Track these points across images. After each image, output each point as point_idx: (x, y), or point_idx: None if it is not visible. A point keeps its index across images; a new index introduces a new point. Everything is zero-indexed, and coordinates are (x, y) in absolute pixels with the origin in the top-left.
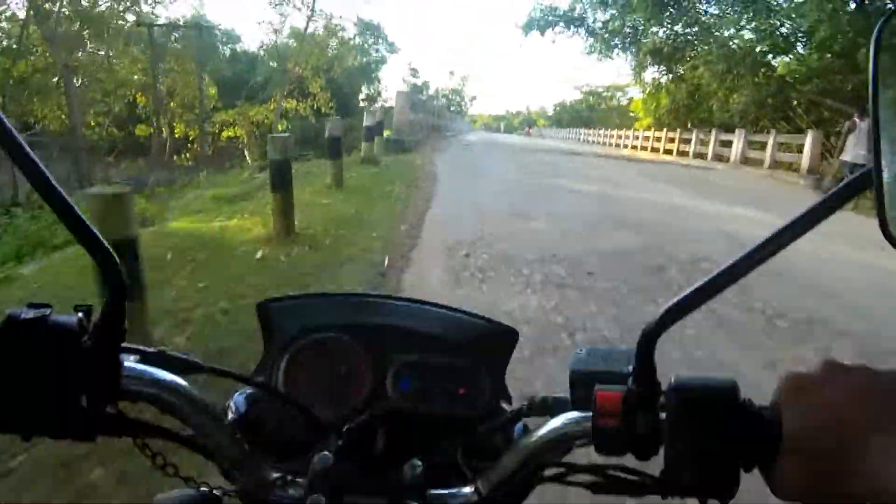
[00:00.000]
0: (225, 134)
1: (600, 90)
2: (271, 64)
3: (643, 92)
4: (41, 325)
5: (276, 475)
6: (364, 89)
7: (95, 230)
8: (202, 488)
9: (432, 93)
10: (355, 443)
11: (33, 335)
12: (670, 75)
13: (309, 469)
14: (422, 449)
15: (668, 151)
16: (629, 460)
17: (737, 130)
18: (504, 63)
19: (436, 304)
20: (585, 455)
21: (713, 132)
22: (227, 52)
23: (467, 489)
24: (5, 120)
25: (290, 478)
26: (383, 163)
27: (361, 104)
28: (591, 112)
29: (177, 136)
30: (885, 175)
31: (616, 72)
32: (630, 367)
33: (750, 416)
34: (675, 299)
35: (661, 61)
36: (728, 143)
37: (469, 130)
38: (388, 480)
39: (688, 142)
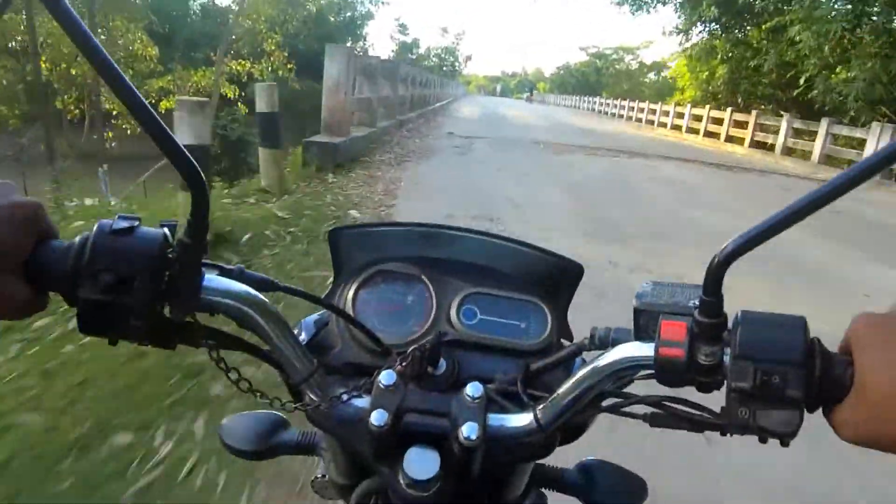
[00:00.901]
0: (164, 105)
1: (608, 52)
2: (229, 18)
3: (691, 56)
4: (129, 234)
5: (341, 390)
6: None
7: (180, 143)
8: (273, 400)
9: (423, 51)
10: (419, 365)
11: (121, 244)
12: (739, 32)
13: (373, 387)
14: (482, 377)
15: (733, 139)
16: (690, 394)
17: (823, 120)
18: (501, 20)
19: (505, 238)
20: (647, 390)
21: (785, 118)
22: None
23: (526, 416)
24: (98, 43)
25: (355, 394)
26: (291, 200)
27: None
28: (598, 76)
29: (111, 109)
30: None
31: (626, 31)
32: (695, 301)
33: (819, 354)
34: (744, 232)
35: (726, 15)
36: (805, 133)
37: (463, 95)
38: (449, 402)
39: (744, 126)
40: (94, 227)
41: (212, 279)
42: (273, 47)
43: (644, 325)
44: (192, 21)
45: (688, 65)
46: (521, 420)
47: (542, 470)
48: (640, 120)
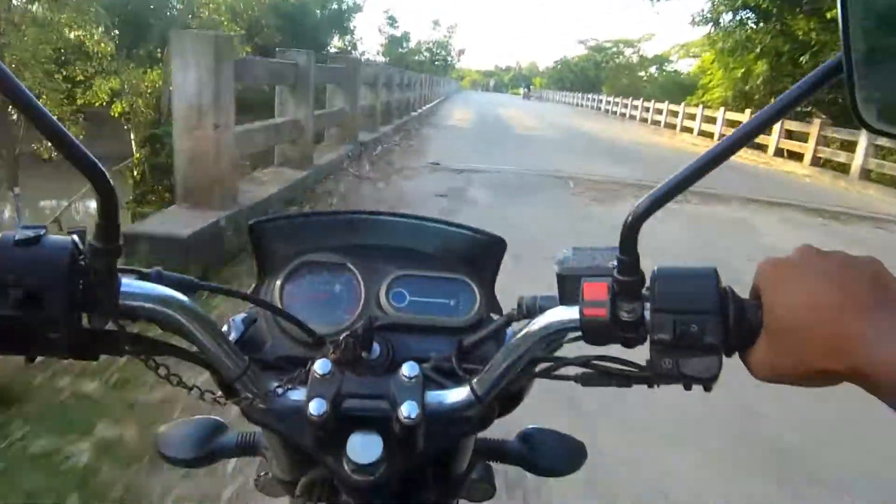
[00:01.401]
0: (117, 109)
1: (608, 45)
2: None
3: (721, 49)
4: (35, 244)
5: (276, 384)
6: (336, 42)
7: (83, 146)
8: (204, 392)
9: (414, 45)
10: (352, 351)
11: (28, 255)
12: (777, 22)
13: (309, 377)
14: (416, 358)
15: (785, 154)
16: (617, 352)
17: None
18: (495, 12)
19: (425, 218)
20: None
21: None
22: None
23: (463, 390)
24: None
25: (289, 387)
26: None
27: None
28: (597, 70)
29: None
30: (855, 59)
31: (627, 25)
32: (614, 262)
33: (732, 301)
34: (652, 191)
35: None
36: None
37: (456, 92)
38: (387, 384)
39: (799, 138)
40: None
41: (129, 284)
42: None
43: (568, 290)
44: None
45: (717, 59)
46: (458, 394)
47: (485, 443)
48: (656, 123)
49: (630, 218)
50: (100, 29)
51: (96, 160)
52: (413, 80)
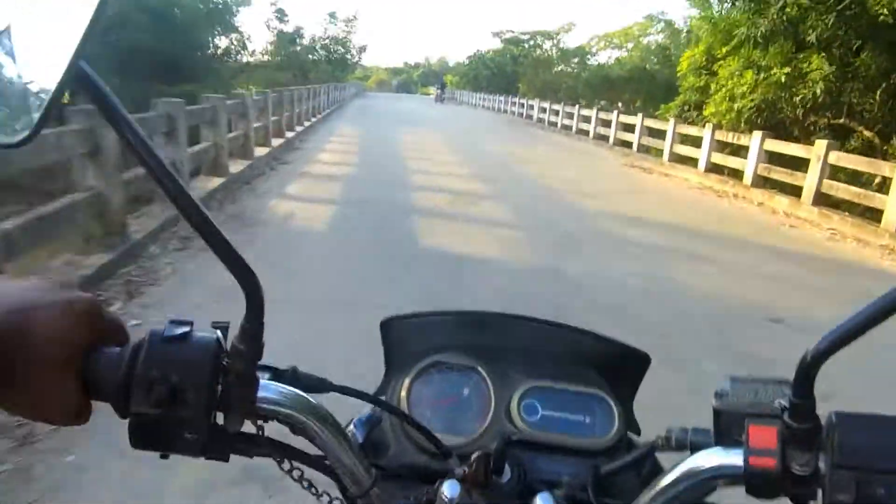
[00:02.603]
0: None
1: (525, 37)
2: None
3: (747, 37)
4: (183, 341)
5: (403, 502)
6: (218, 41)
7: (235, 247)
8: (334, 502)
9: (308, 42)
10: (483, 473)
11: (175, 352)
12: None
13: (437, 498)
14: (549, 482)
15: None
16: None
17: None
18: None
19: (565, 325)
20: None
21: None
22: None
23: None
24: (139, 129)
25: None
26: None
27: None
28: (515, 65)
29: None
30: None
31: (543, 15)
32: (783, 401)
33: None
34: (836, 327)
35: None
36: None
37: (354, 97)
38: None
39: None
40: (147, 335)
41: (266, 385)
42: None
43: (725, 427)
44: None
45: (739, 51)
46: None
47: None
48: (623, 144)
49: (807, 357)
50: None
51: (245, 261)
52: (261, 104)
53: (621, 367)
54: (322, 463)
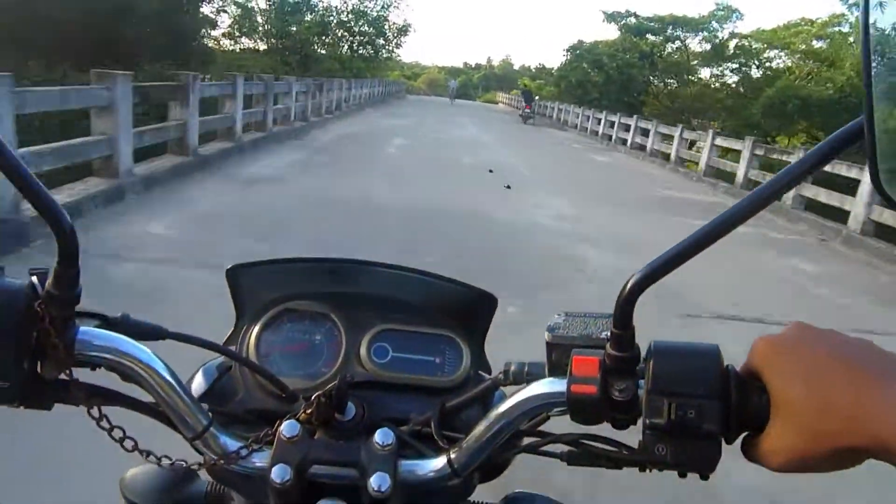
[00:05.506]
0: None
1: (652, 25)
2: None
3: None
4: None
5: (240, 445)
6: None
7: (46, 190)
8: (161, 458)
9: (319, 14)
10: (324, 411)
11: None
12: None
13: (275, 438)
14: (394, 419)
15: None
16: (607, 430)
17: None
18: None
19: (413, 270)
20: (565, 428)
21: None
22: None
23: (440, 461)
24: None
25: (255, 447)
26: None
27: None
28: (644, 69)
29: None
30: (877, 127)
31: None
32: (607, 333)
33: (734, 384)
34: (651, 261)
35: None
36: None
37: (389, 99)
38: (358, 450)
39: None
40: None
41: (88, 331)
42: None
43: (557, 359)
44: None
45: None
46: (434, 465)
47: None
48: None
49: (626, 289)
50: None
51: (55, 200)
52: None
53: (471, 310)
54: (154, 409)
